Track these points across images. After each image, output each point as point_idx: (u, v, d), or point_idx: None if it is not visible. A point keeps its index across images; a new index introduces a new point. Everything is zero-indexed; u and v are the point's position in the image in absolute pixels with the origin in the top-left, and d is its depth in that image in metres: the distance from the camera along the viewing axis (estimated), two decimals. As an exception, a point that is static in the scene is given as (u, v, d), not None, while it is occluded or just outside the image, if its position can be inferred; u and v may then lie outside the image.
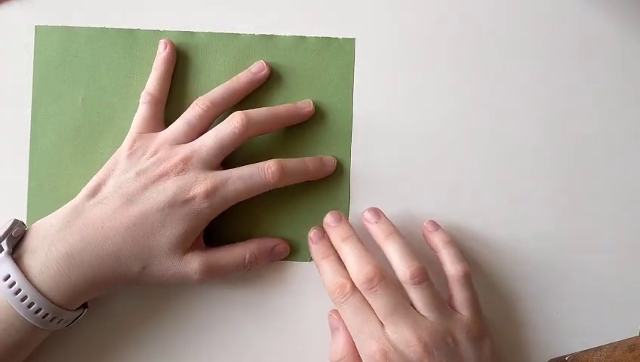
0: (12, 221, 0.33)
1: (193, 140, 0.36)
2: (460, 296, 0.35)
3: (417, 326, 0.33)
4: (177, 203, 0.34)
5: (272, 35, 0.39)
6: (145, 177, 0.34)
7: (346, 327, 0.35)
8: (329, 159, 0.38)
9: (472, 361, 0.34)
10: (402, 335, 0.33)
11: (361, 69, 0.39)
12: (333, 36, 0.39)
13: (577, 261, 0.39)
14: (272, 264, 0.38)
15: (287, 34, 0.39)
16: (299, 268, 0.39)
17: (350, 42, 0.39)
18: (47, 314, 0.32)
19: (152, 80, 0.38)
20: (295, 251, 0.39)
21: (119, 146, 0.36)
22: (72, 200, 0.35)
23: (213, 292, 0.38)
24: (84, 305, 0.35)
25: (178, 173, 0.34)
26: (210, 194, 0.34)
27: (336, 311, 0.36)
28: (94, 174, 0.36)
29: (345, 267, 0.35)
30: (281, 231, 0.39)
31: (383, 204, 0.38)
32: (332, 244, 0.37)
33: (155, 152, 0.35)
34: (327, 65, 0.39)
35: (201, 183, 0.34)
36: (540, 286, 0.39)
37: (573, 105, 0.39)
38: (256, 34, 0.39)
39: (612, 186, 0.39)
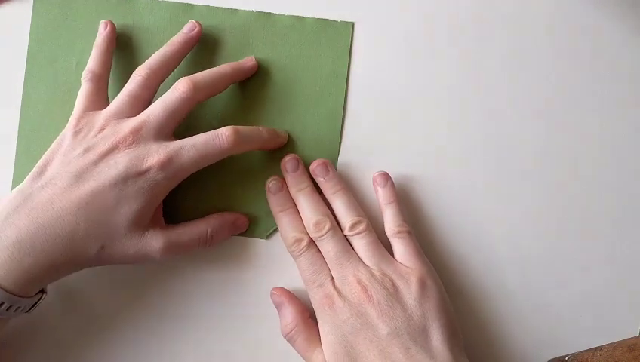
0: None
1: (140, 112, 0.35)
2: (399, 250, 0.36)
3: (358, 271, 0.35)
4: (131, 176, 0.33)
5: (270, 13, 0.39)
6: (93, 153, 0.33)
7: (290, 299, 0.37)
8: (282, 131, 0.39)
9: (413, 307, 0.34)
10: (345, 279, 0.35)
11: (358, 53, 0.39)
12: (332, 18, 0.39)
13: (577, 261, 0.39)
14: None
15: (287, 13, 0.39)
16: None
17: (348, 26, 0.39)
18: (1, 304, 0.31)
19: (93, 57, 0.37)
20: (254, 227, 0.39)
21: None
22: (18, 185, 0.34)
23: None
24: (42, 290, 0.34)
25: (128, 145, 0.33)
26: (164, 164, 0.33)
27: (277, 288, 0.38)
28: None
29: (301, 221, 0.37)
30: (240, 207, 0.39)
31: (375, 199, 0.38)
32: (290, 196, 0.38)
33: (102, 128, 0.34)
34: (324, 48, 0.39)
35: (154, 154, 0.33)
36: (539, 286, 0.39)
37: (574, 105, 0.39)
38: (254, 10, 0.39)
39: (612, 186, 0.39)
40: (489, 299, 0.39)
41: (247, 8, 0.39)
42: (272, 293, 0.38)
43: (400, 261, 0.36)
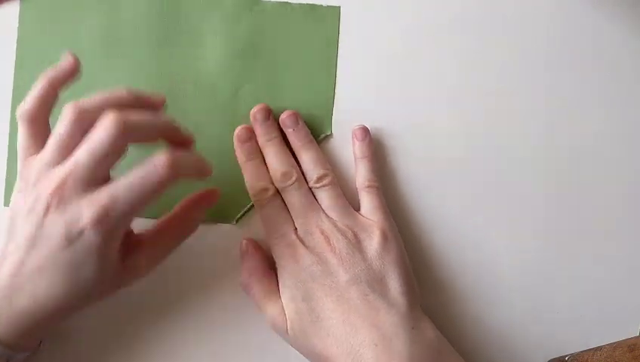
0: None
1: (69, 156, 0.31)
2: (365, 203, 0.37)
3: (321, 222, 0.36)
4: (72, 240, 0.30)
5: (256, 0, 0.39)
6: (35, 215, 0.31)
7: (255, 248, 0.37)
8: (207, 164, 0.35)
9: (373, 258, 0.35)
10: (308, 229, 0.36)
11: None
12: (318, 3, 0.39)
13: (577, 261, 0.39)
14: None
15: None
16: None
17: (335, 10, 0.39)
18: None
19: (36, 93, 0.33)
20: (222, 211, 0.39)
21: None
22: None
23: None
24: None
25: (57, 205, 0.30)
26: (98, 222, 0.30)
27: (247, 239, 0.38)
28: None
29: (267, 170, 0.37)
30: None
31: (383, 204, 0.38)
32: (258, 147, 0.38)
33: (36, 182, 0.31)
34: (312, 34, 0.39)
35: (84, 212, 0.30)
36: (539, 286, 0.39)
37: (574, 105, 0.39)
38: None
39: (613, 186, 0.39)
40: (489, 299, 0.39)
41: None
42: (241, 243, 0.38)
43: (364, 214, 0.37)
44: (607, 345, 0.36)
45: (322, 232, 0.35)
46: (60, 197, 0.30)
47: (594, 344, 0.37)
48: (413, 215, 0.39)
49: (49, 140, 0.32)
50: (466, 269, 0.39)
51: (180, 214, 0.35)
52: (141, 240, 0.34)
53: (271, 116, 0.38)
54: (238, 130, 0.38)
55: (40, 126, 0.33)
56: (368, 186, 0.37)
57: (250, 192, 0.37)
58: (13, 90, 0.39)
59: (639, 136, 0.39)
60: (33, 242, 0.31)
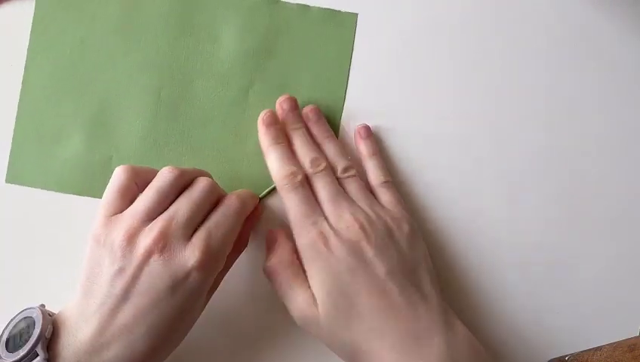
0: (40, 317, 0.30)
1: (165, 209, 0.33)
2: (386, 198, 0.37)
3: (355, 210, 0.35)
4: (178, 286, 0.31)
5: (276, 1, 0.39)
6: (131, 268, 0.31)
7: (287, 237, 0.36)
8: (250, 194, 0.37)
9: (406, 249, 0.35)
10: (341, 217, 0.35)
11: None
12: (337, 9, 0.39)
13: (578, 261, 0.39)
14: None
15: (292, 1, 0.39)
16: None
17: (352, 17, 0.39)
18: None
19: (155, 197, 0.33)
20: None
21: (113, 89, 0.38)
22: (79, 305, 0.31)
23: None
24: None
25: (162, 252, 0.31)
26: (203, 264, 0.31)
27: (272, 230, 0.37)
28: (83, 115, 0.38)
29: (295, 156, 0.37)
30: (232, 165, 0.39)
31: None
32: (284, 132, 0.38)
33: (128, 238, 0.31)
34: (328, 38, 0.39)
35: (190, 256, 0.31)
36: (540, 286, 0.39)
37: (574, 105, 0.39)
38: None
39: (613, 187, 0.39)
40: (489, 299, 0.39)
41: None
42: (268, 231, 0.37)
43: (387, 208, 0.37)
44: (607, 345, 0.36)
45: (357, 220, 0.34)
46: (164, 246, 0.31)
47: (594, 344, 0.37)
48: (413, 214, 0.39)
49: (143, 195, 0.33)
50: (467, 269, 0.39)
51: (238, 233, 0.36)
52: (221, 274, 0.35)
53: (297, 106, 0.38)
54: (263, 113, 0.38)
55: (133, 192, 0.34)
56: (385, 182, 0.37)
57: (277, 176, 0.36)
58: (24, 72, 0.39)
59: (639, 136, 0.39)
60: (126, 296, 0.31)
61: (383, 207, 0.36)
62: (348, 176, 0.37)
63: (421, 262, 0.35)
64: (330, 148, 0.38)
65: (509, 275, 0.39)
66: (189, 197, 0.33)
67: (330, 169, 0.37)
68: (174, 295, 0.31)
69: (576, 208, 0.39)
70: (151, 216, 0.32)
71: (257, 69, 0.39)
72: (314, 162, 0.36)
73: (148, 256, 0.31)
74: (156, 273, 0.31)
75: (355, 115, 0.39)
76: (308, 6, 0.39)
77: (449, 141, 0.39)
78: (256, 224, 0.38)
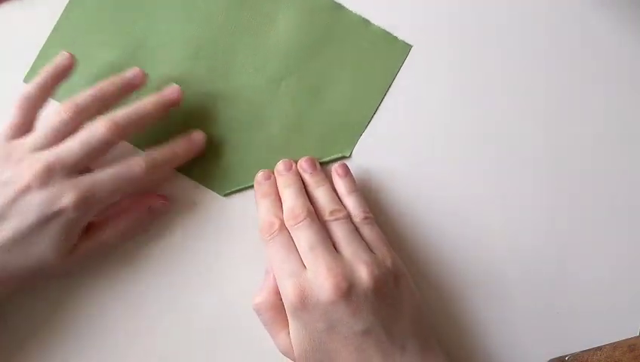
0: None
1: (56, 145, 0.34)
2: (369, 235, 0.36)
3: (334, 264, 0.33)
4: (48, 219, 0.33)
5: (341, 6, 0.39)
6: (11, 189, 0.33)
7: (272, 274, 0.35)
8: (196, 134, 0.38)
9: (386, 301, 0.33)
10: (319, 273, 0.33)
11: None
12: (396, 34, 0.39)
13: (577, 261, 0.39)
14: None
15: (357, 10, 0.39)
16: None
17: (406, 47, 0.40)
18: None
19: (39, 81, 0.36)
20: (214, 180, 0.39)
21: (151, 25, 0.39)
22: None
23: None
24: None
25: (40, 185, 0.32)
26: (78, 204, 0.33)
27: (268, 266, 0.37)
28: (117, 59, 0.38)
29: (281, 208, 0.36)
30: (213, 154, 0.39)
31: (377, 210, 0.38)
32: (277, 189, 0.38)
33: (17, 161, 0.33)
34: (376, 59, 0.39)
35: (67, 193, 0.33)
36: (540, 287, 0.39)
37: (574, 105, 0.39)
38: None
39: (612, 186, 0.39)
40: (489, 300, 0.39)
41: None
42: (268, 264, 0.37)
43: (369, 245, 0.35)
44: (607, 345, 0.36)
45: (335, 277, 0.33)
46: (44, 178, 0.32)
47: (594, 344, 0.37)
48: (414, 214, 0.39)
49: (40, 127, 0.34)
50: (467, 269, 0.39)
51: (124, 222, 0.37)
52: (93, 233, 0.36)
53: (293, 166, 0.38)
54: (260, 173, 0.38)
55: (32, 112, 0.35)
56: (365, 218, 0.36)
57: (259, 228, 0.36)
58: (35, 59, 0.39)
59: (639, 136, 0.39)
60: (2, 215, 0.32)
61: (365, 249, 0.35)
62: (335, 219, 0.35)
63: (405, 307, 0.34)
64: (320, 194, 0.37)
65: (508, 275, 0.39)
66: (80, 137, 0.34)
67: (312, 220, 0.35)
68: (42, 227, 0.33)
69: (576, 208, 0.39)
70: (41, 149, 0.34)
71: (298, 64, 0.39)
72: (292, 218, 0.35)
73: (27, 185, 0.33)
74: (29, 202, 0.32)
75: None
76: (369, 21, 0.39)
77: (449, 143, 0.39)
78: (154, 212, 0.38)
